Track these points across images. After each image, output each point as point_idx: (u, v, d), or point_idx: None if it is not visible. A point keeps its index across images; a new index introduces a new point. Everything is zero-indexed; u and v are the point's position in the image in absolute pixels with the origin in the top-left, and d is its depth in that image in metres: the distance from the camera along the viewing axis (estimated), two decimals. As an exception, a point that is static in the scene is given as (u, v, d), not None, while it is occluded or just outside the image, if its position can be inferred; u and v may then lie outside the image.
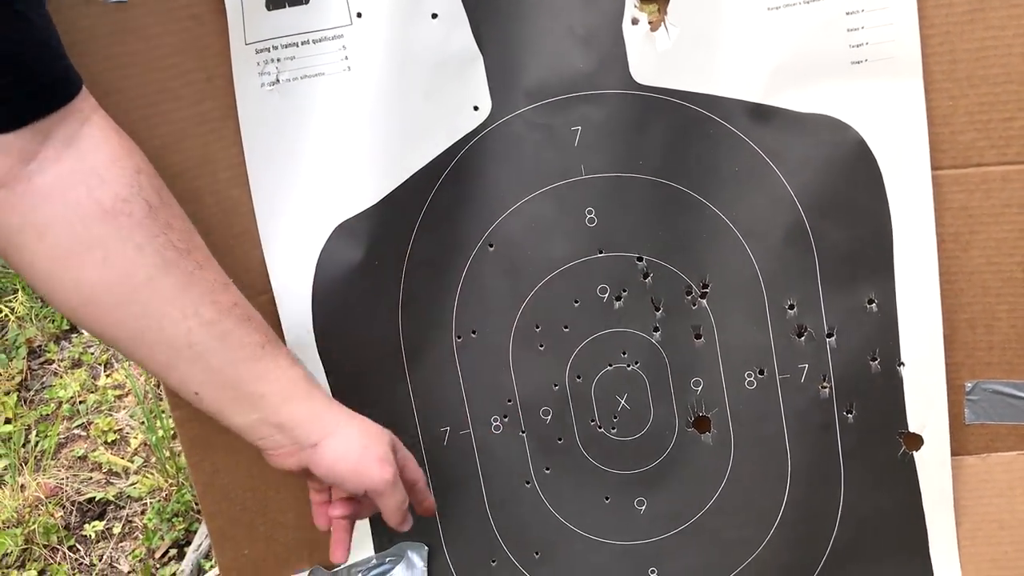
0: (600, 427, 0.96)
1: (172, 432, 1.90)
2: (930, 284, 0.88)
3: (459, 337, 0.94)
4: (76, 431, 2.04)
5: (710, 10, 0.84)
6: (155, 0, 0.75)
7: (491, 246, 0.91)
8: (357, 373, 0.91)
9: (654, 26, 0.85)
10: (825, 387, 0.91)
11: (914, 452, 0.92)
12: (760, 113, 0.86)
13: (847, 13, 0.82)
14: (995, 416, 0.93)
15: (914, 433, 0.92)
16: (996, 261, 0.88)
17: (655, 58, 0.85)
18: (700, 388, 0.94)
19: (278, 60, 0.82)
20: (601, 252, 0.90)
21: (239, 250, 0.84)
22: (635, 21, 0.85)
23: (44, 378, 2.20)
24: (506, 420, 0.96)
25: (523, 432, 0.97)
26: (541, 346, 0.94)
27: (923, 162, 0.85)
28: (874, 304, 0.89)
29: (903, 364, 0.90)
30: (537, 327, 0.93)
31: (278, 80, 0.82)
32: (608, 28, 0.85)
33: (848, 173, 0.86)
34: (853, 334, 0.90)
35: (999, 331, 0.90)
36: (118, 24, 0.74)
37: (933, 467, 0.92)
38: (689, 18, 0.84)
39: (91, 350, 2.23)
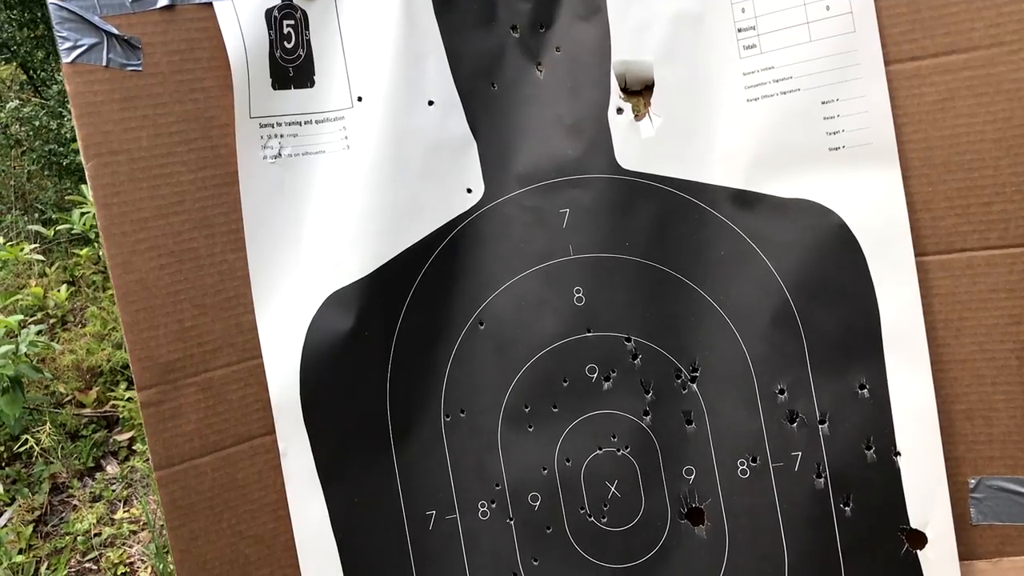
0: (590, 516, 0.93)
1: (181, 565, 1.87)
2: (922, 371, 0.86)
3: (447, 416, 0.94)
4: (87, 564, 2.01)
5: (692, 101, 0.89)
6: (167, 71, 0.82)
7: (481, 324, 0.93)
8: (343, 446, 0.91)
9: (638, 116, 0.90)
10: (820, 477, 0.89)
11: (918, 551, 0.88)
12: (743, 199, 0.89)
13: (822, 102, 0.86)
14: (1003, 516, 0.89)
15: (916, 530, 0.88)
16: (988, 348, 0.87)
17: (639, 145, 0.89)
18: (692, 477, 0.92)
19: (281, 136, 0.88)
20: (589, 331, 0.91)
21: (231, 313, 0.87)
22: (620, 111, 0.90)
23: (63, 513, 2.19)
24: (494, 506, 0.94)
25: (511, 519, 0.94)
26: (530, 427, 0.93)
27: (906, 247, 0.86)
28: (866, 390, 0.88)
29: (899, 454, 0.87)
30: (526, 407, 0.93)
31: (280, 154, 0.88)
32: (594, 117, 0.90)
33: (832, 257, 0.87)
34: (846, 421, 0.88)
35: (998, 423, 0.88)
36: (131, 90, 0.81)
37: (940, 569, 0.88)
38: (672, 109, 0.89)
39: (112, 487, 2.24)
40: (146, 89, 0.82)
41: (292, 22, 0.86)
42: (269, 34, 0.85)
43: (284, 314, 0.89)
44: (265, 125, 0.87)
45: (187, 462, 0.86)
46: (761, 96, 0.87)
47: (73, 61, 0.79)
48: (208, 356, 0.86)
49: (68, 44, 0.79)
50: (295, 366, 0.89)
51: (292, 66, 0.87)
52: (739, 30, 0.87)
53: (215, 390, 0.87)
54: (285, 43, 0.86)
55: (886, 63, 0.84)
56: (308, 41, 0.87)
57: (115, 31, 0.80)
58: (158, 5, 0.81)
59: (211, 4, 0.83)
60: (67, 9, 0.78)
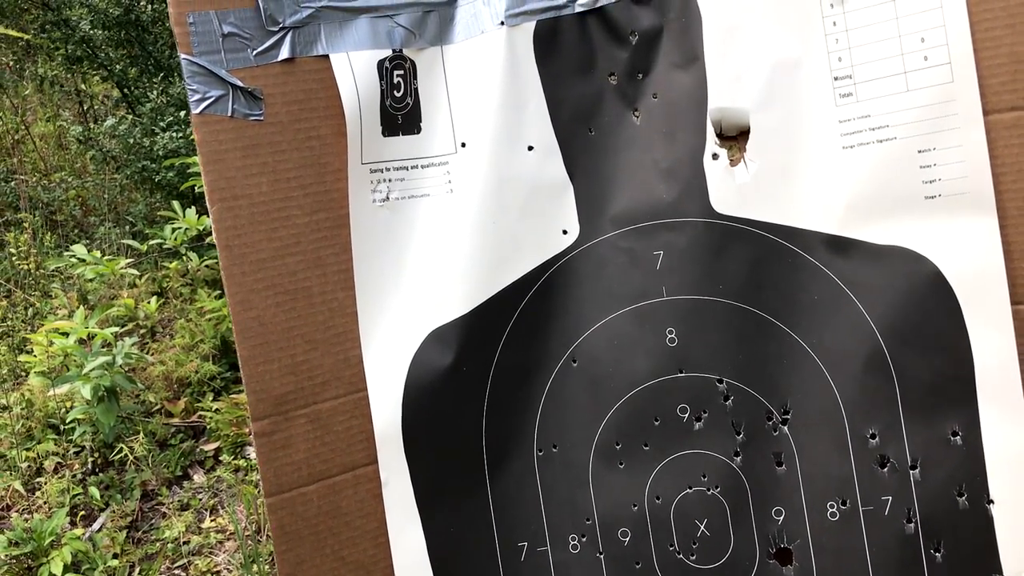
0: (679, 552, 0.95)
1: (267, 576, 1.93)
2: (1017, 420, 0.86)
3: (540, 450, 0.97)
4: (177, 571, 2.09)
5: (787, 148, 0.90)
6: (286, 120, 0.87)
7: (574, 361, 0.96)
8: (440, 476, 0.95)
9: (734, 161, 0.91)
10: (911, 522, 0.89)
11: (1011, 600, 0.88)
12: (837, 244, 0.90)
13: (919, 151, 0.86)
14: (1099, 567, 0.88)
15: (1010, 579, 0.88)
16: (1087, 399, 0.86)
17: (735, 190, 0.91)
18: (782, 518, 0.93)
19: (389, 180, 0.92)
20: (681, 372, 0.93)
21: (339, 348, 0.91)
22: (715, 156, 0.92)
23: (153, 519, 2.28)
24: (584, 540, 0.97)
25: (600, 553, 0.97)
26: (621, 464, 0.95)
27: (1002, 295, 0.86)
28: (958, 437, 0.88)
29: (992, 502, 0.87)
30: (617, 444, 0.95)
31: (388, 198, 0.92)
32: (690, 162, 0.92)
33: (926, 304, 0.88)
34: (937, 467, 0.88)
35: (1096, 474, 0.87)
36: (253, 139, 0.86)
37: (1033, 620, 0.88)
38: (767, 154, 0.90)
39: (199, 496, 2.31)
40: (266, 137, 0.86)
41: (402, 72, 0.91)
42: (380, 84, 0.90)
43: (388, 349, 0.93)
44: (375, 170, 0.91)
45: (295, 490, 0.90)
46: (857, 144, 0.88)
47: (201, 112, 0.84)
48: (317, 389, 0.90)
49: (197, 96, 0.84)
50: (398, 399, 0.92)
51: (401, 114, 0.91)
52: (836, 79, 0.89)
53: (323, 421, 0.91)
54: (395, 92, 0.90)
55: (985, 113, 0.84)
56: (416, 90, 0.91)
57: (240, 83, 0.85)
58: (279, 58, 0.86)
59: (328, 56, 0.88)
60: (197, 64, 0.84)
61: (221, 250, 0.86)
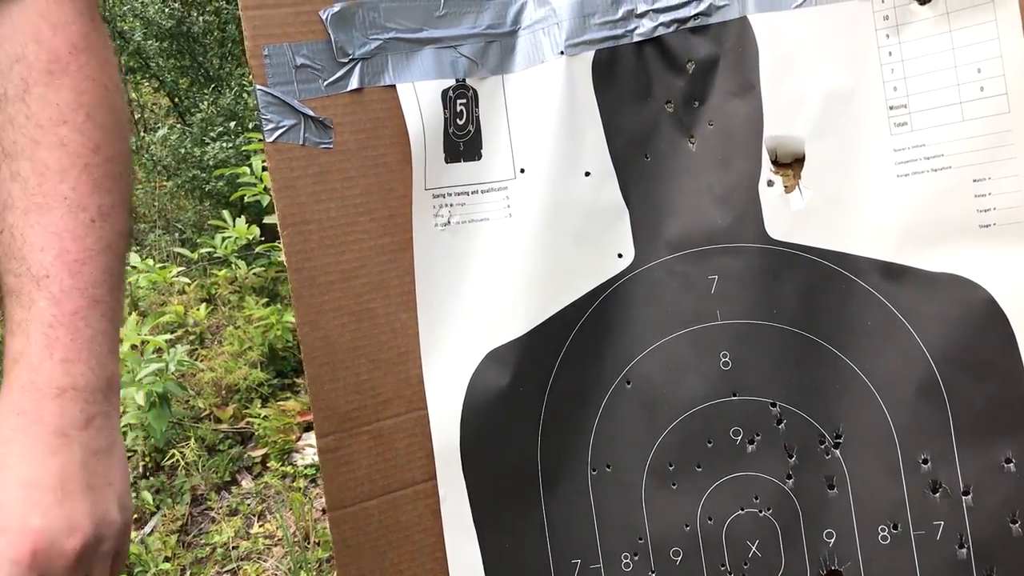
0: (730, 573, 0.97)
1: (314, 582, 1.96)
2: (1072, 448, 0.87)
3: (594, 470, 0.99)
4: (226, 575, 2.13)
5: (842, 175, 0.91)
6: (354, 148, 0.90)
7: (628, 383, 0.98)
8: (496, 495, 0.97)
9: (789, 188, 0.93)
10: (963, 547, 0.90)
11: (1064, 628, 0.88)
12: (891, 271, 0.91)
13: (974, 180, 0.87)
14: None
15: (1064, 609, 0.88)
16: None
17: (789, 216, 0.93)
18: (833, 540, 0.94)
19: (451, 205, 0.95)
20: (735, 395, 0.95)
21: (401, 367, 0.94)
22: (770, 183, 0.93)
23: (203, 524, 2.33)
24: (636, 558, 0.99)
25: (652, 572, 0.98)
26: (674, 484, 0.97)
27: (1057, 324, 0.87)
28: (1012, 464, 0.88)
29: (1046, 529, 0.88)
30: (671, 465, 0.97)
31: (449, 222, 0.95)
32: (745, 188, 0.94)
33: (980, 332, 0.88)
34: (990, 494, 0.89)
35: None
36: (323, 166, 0.89)
37: (1087, 649, 0.88)
38: (822, 182, 0.92)
39: (248, 501, 2.36)
40: (335, 165, 0.90)
41: (464, 100, 0.93)
42: (444, 113, 0.92)
43: (448, 369, 0.95)
44: (437, 196, 0.94)
45: (357, 504, 0.93)
46: (912, 172, 0.89)
47: (275, 140, 0.87)
48: (380, 407, 0.93)
49: (271, 125, 0.87)
50: (456, 418, 0.95)
51: (463, 141, 0.94)
52: (891, 108, 0.90)
53: (385, 438, 0.94)
54: (457, 120, 0.93)
55: (1041, 143, 0.85)
56: (477, 117, 0.94)
57: (312, 113, 0.88)
58: (349, 88, 0.90)
59: (394, 87, 0.91)
60: (272, 94, 0.87)
61: (291, 273, 0.89)
